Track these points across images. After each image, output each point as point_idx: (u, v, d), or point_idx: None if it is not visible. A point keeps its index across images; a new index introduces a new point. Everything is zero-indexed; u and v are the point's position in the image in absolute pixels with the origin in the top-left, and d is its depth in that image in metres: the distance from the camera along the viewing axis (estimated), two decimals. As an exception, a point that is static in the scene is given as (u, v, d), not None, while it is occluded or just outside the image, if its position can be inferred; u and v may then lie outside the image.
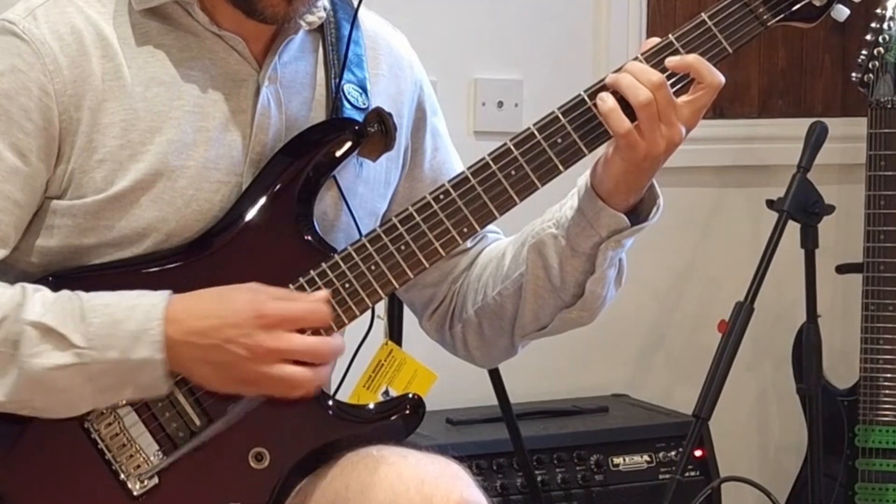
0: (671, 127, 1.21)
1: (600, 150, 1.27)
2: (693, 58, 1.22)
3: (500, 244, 1.37)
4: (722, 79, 1.23)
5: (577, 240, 1.26)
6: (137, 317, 1.17)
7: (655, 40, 1.25)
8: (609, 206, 1.25)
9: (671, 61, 1.22)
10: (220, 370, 1.18)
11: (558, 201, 1.36)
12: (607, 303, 1.31)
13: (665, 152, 1.22)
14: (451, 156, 1.40)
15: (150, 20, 1.25)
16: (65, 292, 1.20)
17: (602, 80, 1.25)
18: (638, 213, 1.27)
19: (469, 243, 1.35)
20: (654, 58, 1.24)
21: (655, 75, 1.21)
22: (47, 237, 1.24)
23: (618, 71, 1.24)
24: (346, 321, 1.24)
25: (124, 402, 1.21)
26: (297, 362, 1.18)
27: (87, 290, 1.22)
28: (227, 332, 1.16)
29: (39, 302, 1.19)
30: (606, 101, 1.21)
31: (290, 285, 1.23)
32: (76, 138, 1.22)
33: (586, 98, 1.24)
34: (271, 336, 1.16)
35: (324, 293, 1.20)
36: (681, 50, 1.23)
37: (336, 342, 1.20)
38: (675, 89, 1.22)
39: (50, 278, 1.24)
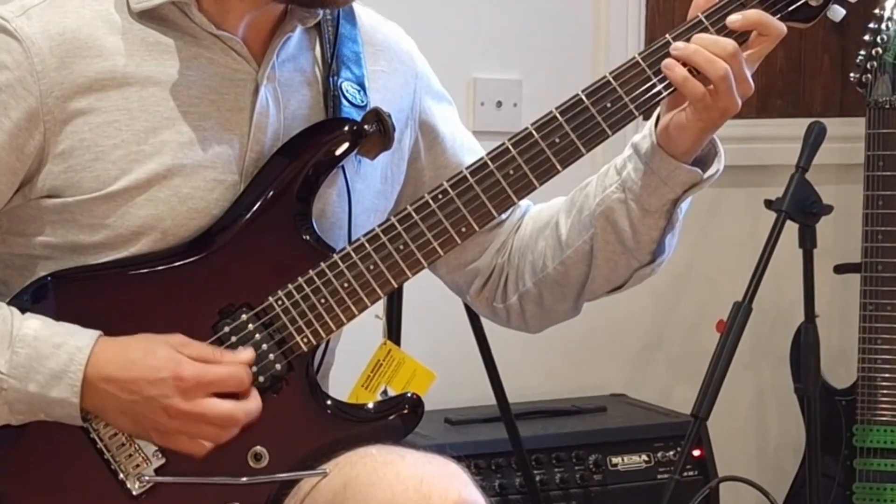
0: (744, 83, 1.23)
1: (597, 150, 1.27)
2: (755, 13, 1.23)
3: (545, 212, 1.37)
4: (783, 27, 1.24)
5: (651, 200, 1.27)
6: (62, 356, 1.19)
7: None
8: (684, 162, 1.26)
9: (734, 21, 1.23)
10: (135, 421, 1.20)
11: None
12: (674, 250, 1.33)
13: (740, 106, 1.24)
14: (468, 136, 1.41)
15: (148, 21, 1.25)
16: (4, 310, 1.21)
17: (602, 81, 1.23)
18: (699, 158, 1.28)
19: (504, 215, 1.35)
20: (716, 16, 1.23)
21: (730, 44, 1.21)
22: (49, 234, 1.25)
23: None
24: (345, 321, 1.25)
25: None
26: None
27: (86, 290, 1.23)
28: (145, 388, 1.19)
29: None
30: (675, 70, 1.22)
31: (290, 285, 1.23)
32: (63, 138, 1.22)
33: (584, 98, 1.24)
34: (186, 400, 1.18)
35: (247, 354, 1.22)
36: (743, 4, 1.23)
37: (249, 407, 1.21)
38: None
39: (49, 278, 1.24)
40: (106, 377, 1.19)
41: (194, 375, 1.19)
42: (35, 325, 1.20)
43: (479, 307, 1.41)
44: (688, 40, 1.23)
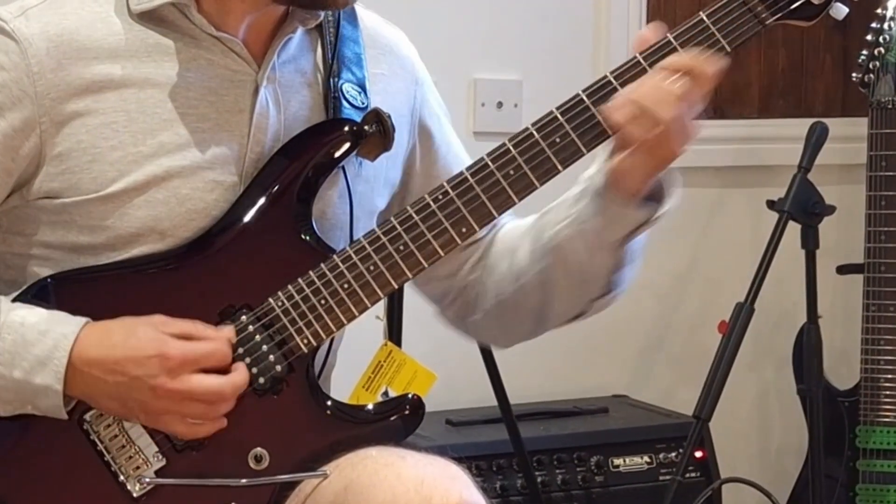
0: (691, 127, 1.23)
1: (598, 148, 1.27)
2: (687, 57, 1.23)
3: (512, 234, 1.37)
4: (722, 64, 1.23)
5: (601, 236, 1.27)
6: (47, 343, 1.19)
7: (652, 31, 1.25)
8: (631, 202, 1.25)
9: (671, 62, 1.22)
10: (123, 404, 1.20)
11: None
12: (631, 281, 1.33)
13: (684, 149, 1.24)
14: (461, 148, 1.41)
15: (147, 23, 1.25)
16: None
17: (602, 81, 1.24)
18: (652, 194, 1.28)
19: (483, 231, 1.35)
20: (653, 57, 1.23)
21: (676, 89, 1.21)
22: (49, 235, 1.24)
23: (622, 75, 1.23)
24: (346, 322, 1.24)
25: None
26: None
27: (86, 291, 1.22)
28: (130, 369, 1.18)
29: None
30: (618, 113, 1.21)
31: (290, 286, 1.22)
32: (60, 140, 1.22)
33: (584, 98, 1.24)
34: (173, 378, 1.18)
35: (228, 331, 1.21)
36: (678, 48, 1.23)
37: (237, 379, 1.21)
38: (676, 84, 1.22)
39: (49, 279, 1.24)
40: (90, 361, 1.19)
41: (179, 353, 1.18)
42: (23, 312, 1.20)
43: (447, 320, 1.41)
44: (629, 79, 1.22)
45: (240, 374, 1.21)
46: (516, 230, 1.37)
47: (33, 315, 1.20)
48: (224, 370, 1.20)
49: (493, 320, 1.37)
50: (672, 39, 1.24)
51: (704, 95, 1.23)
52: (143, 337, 1.19)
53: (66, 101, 1.22)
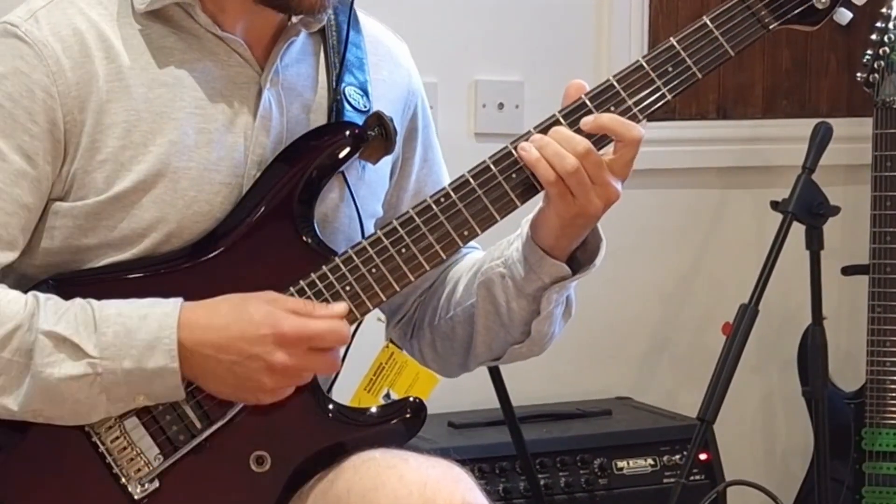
0: (605, 187, 1.20)
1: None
2: (607, 118, 1.20)
3: (462, 266, 1.37)
4: (640, 132, 1.21)
5: (523, 282, 1.26)
6: (151, 325, 1.17)
7: (578, 87, 1.22)
8: (551, 255, 1.24)
9: (586, 124, 1.21)
10: (237, 382, 1.18)
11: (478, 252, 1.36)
12: (555, 337, 1.31)
13: (603, 209, 1.21)
14: (441, 170, 1.40)
15: (153, 22, 1.25)
16: (77, 301, 1.20)
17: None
18: (583, 252, 1.27)
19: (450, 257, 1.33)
20: (571, 116, 1.22)
21: (581, 143, 1.19)
22: (49, 238, 1.24)
23: (542, 129, 1.21)
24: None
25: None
26: None
27: (87, 292, 1.21)
28: (245, 347, 1.16)
29: (52, 310, 1.18)
30: (531, 152, 1.20)
31: (291, 288, 1.22)
32: (80, 139, 1.22)
33: (587, 101, 1.23)
34: (290, 355, 1.17)
35: (342, 306, 1.20)
36: (594, 110, 1.21)
37: (343, 340, 1.20)
38: (599, 147, 1.20)
39: (50, 281, 1.23)
40: (201, 341, 1.17)
41: (295, 330, 1.17)
42: (115, 303, 1.19)
43: (394, 337, 1.41)
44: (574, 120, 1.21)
45: (345, 330, 1.19)
46: (468, 262, 1.36)
47: (126, 304, 1.18)
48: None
49: (428, 345, 1.37)
50: (587, 101, 1.21)
51: (629, 158, 1.20)
52: (256, 312, 1.17)
53: (85, 100, 1.21)
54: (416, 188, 1.36)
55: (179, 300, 1.18)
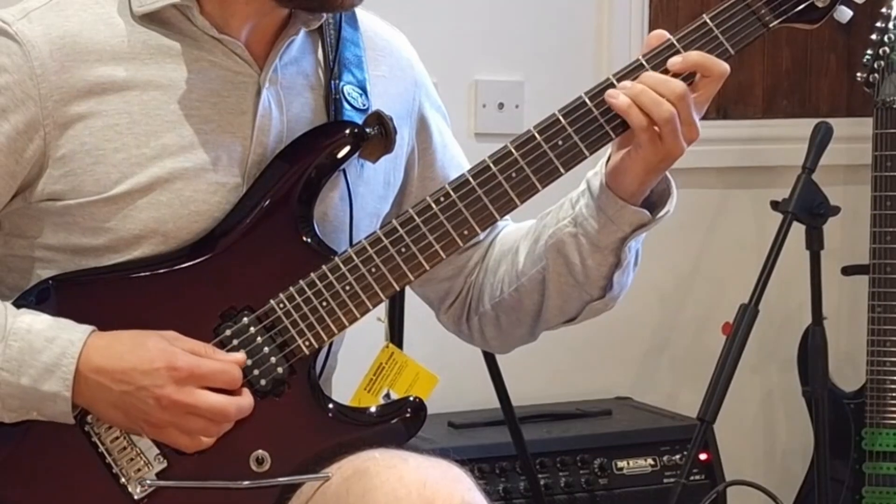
0: (691, 126, 1.22)
1: (601, 152, 1.27)
2: (696, 55, 1.22)
3: (512, 236, 1.37)
4: (726, 66, 1.23)
5: (599, 236, 1.27)
6: (54, 350, 1.19)
7: (656, 37, 1.24)
8: (630, 203, 1.25)
9: (674, 63, 1.22)
10: (127, 413, 1.19)
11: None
12: (628, 288, 1.33)
13: (685, 150, 1.23)
14: (458, 151, 1.41)
15: (150, 24, 1.25)
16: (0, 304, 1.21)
17: (605, 83, 1.23)
18: (652, 200, 1.28)
19: (482, 234, 1.34)
20: (656, 59, 1.23)
21: (678, 86, 1.20)
22: (51, 237, 1.24)
23: (625, 77, 1.22)
24: (347, 324, 1.24)
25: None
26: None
27: (87, 292, 1.22)
28: (137, 378, 1.18)
29: None
30: (620, 99, 1.21)
31: (291, 288, 1.22)
32: (64, 142, 1.22)
33: (587, 100, 1.24)
34: (180, 389, 1.18)
35: (239, 356, 1.21)
36: (681, 49, 1.23)
37: (243, 403, 1.21)
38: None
39: (50, 281, 1.24)
40: (97, 368, 1.19)
41: (188, 366, 1.18)
42: (28, 319, 1.20)
43: (446, 324, 1.42)
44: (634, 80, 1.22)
45: (246, 399, 1.21)
46: (517, 232, 1.37)
47: (39, 321, 1.20)
48: (231, 393, 1.20)
49: (490, 322, 1.37)
50: (675, 42, 1.23)
51: (710, 95, 1.23)
52: (153, 347, 1.19)
53: (70, 104, 1.22)
54: (443, 175, 1.36)
55: (90, 329, 1.20)
